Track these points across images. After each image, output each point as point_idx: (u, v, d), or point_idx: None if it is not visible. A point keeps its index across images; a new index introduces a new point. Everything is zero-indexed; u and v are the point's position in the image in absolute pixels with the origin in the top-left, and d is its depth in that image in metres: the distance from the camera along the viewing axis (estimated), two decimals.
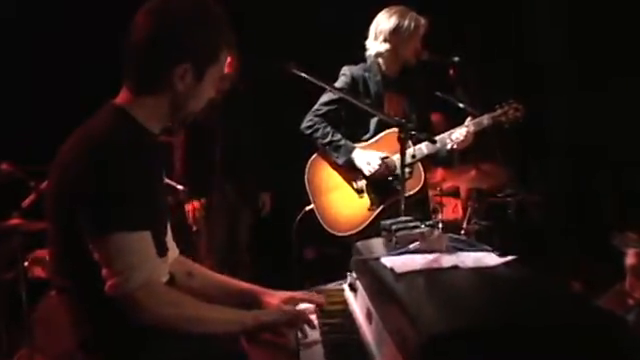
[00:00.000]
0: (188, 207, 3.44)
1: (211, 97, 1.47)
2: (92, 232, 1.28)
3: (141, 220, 1.30)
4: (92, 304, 1.34)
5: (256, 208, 3.73)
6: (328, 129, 2.87)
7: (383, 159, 2.80)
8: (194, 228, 3.45)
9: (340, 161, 2.84)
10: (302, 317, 1.48)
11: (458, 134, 2.79)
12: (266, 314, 1.50)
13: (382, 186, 2.81)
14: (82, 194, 1.27)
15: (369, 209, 2.82)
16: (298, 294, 1.67)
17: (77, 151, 1.32)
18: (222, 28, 1.42)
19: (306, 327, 1.46)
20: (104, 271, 1.28)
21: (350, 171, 2.86)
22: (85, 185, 1.27)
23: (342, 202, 2.86)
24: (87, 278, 1.31)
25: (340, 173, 2.90)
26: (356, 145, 2.86)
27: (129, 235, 1.28)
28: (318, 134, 2.87)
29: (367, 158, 2.80)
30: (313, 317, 1.56)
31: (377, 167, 2.77)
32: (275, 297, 1.62)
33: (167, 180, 3.16)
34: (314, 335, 1.47)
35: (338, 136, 2.86)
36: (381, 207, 2.80)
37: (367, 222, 2.80)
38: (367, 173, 2.80)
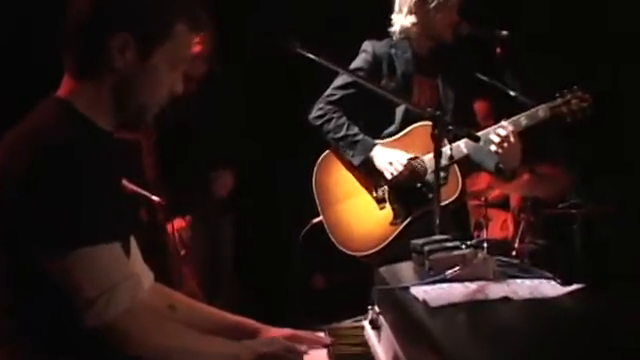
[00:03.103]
0: (171, 227, 3.42)
1: (175, 89, 1.50)
2: (49, 252, 1.28)
3: (108, 229, 1.32)
4: (47, 348, 1.33)
5: (238, 219, 3.73)
6: (342, 120, 2.88)
7: (410, 160, 2.80)
8: (182, 252, 3.43)
9: (356, 161, 2.85)
10: (297, 354, 1.55)
11: (502, 129, 2.75)
12: (263, 344, 1.56)
13: (409, 194, 2.81)
14: (28, 205, 1.28)
15: (392, 223, 2.83)
16: (303, 333, 1.73)
17: (16, 154, 1.34)
18: (182, 4, 1.45)
19: None
20: (73, 300, 1.28)
21: (369, 174, 2.87)
22: (31, 193, 1.28)
23: (358, 213, 2.87)
24: (36, 315, 1.31)
25: (357, 177, 2.91)
26: (378, 141, 2.87)
27: (97, 249, 1.29)
28: (330, 126, 2.88)
29: (390, 158, 2.80)
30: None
31: (402, 170, 2.78)
32: (274, 333, 1.69)
33: (139, 189, 3.18)
34: None
35: (355, 129, 2.87)
36: (407, 220, 2.81)
37: (389, 239, 2.81)
38: (389, 177, 2.81)
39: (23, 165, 1.31)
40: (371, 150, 2.83)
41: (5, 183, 1.32)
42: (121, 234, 1.38)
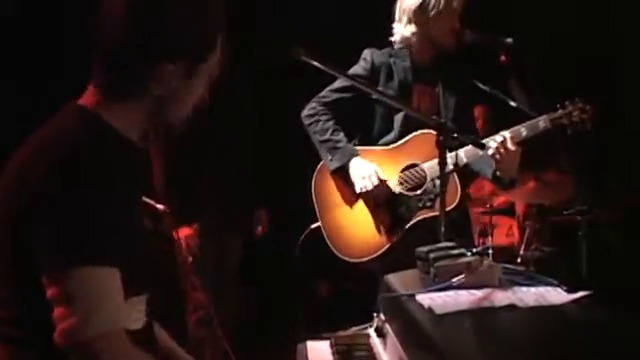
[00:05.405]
0: (179, 234, 3.39)
1: (202, 98, 1.49)
2: (50, 263, 1.28)
3: (114, 252, 1.31)
4: (46, 354, 1.33)
5: (247, 232, 3.73)
6: (330, 124, 2.88)
7: (405, 169, 2.80)
8: (190, 259, 3.43)
9: (332, 166, 2.85)
10: None
11: (500, 136, 2.72)
12: None
13: (408, 201, 2.82)
14: (42, 214, 1.28)
15: (390, 229, 2.83)
16: None
17: (36, 161, 1.34)
18: (220, 14, 1.42)
19: None
20: (57, 311, 1.28)
21: (343, 182, 2.86)
22: (47, 203, 1.28)
23: (357, 219, 2.86)
24: (44, 324, 1.31)
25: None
26: (376, 148, 2.88)
27: (96, 270, 1.29)
28: (317, 127, 2.89)
29: (364, 172, 2.79)
30: None
31: (371, 189, 2.78)
32: None
33: (144, 198, 3.19)
34: None
35: (339, 136, 2.87)
36: (406, 227, 2.81)
37: (387, 246, 2.80)
38: (358, 190, 2.81)
39: (40, 173, 1.30)
40: (350, 160, 2.83)
41: (20, 191, 1.32)
42: (128, 257, 1.34)
